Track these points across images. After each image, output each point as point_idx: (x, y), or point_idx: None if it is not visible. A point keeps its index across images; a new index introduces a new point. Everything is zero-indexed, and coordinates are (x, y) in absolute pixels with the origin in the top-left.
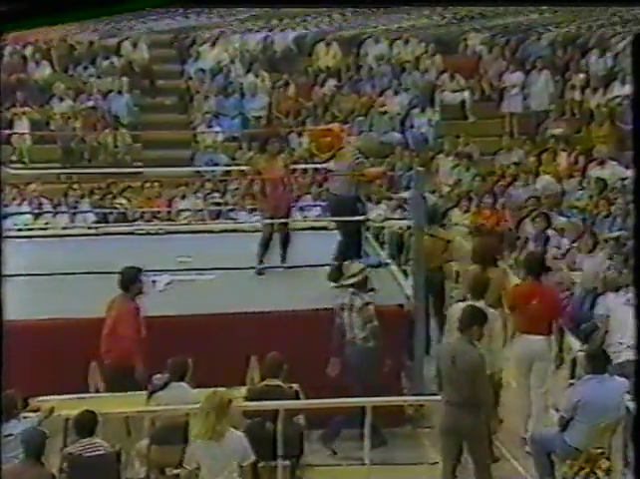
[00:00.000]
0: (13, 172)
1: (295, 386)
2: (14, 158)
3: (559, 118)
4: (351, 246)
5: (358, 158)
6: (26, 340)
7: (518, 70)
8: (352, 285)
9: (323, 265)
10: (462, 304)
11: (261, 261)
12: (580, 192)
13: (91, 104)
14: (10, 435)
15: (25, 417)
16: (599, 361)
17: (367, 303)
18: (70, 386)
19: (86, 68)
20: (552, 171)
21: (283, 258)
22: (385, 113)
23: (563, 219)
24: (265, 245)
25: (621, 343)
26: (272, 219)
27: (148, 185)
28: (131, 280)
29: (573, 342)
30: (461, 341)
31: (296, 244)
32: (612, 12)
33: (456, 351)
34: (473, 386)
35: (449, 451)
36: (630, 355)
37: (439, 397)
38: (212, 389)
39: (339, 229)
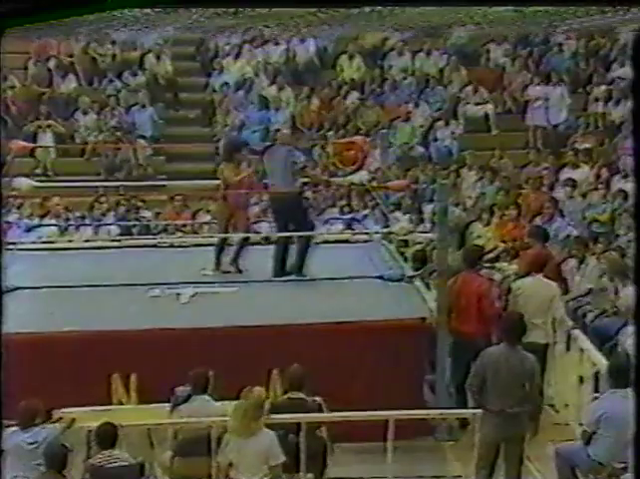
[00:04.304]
0: (37, 184)
1: (319, 399)
2: (38, 171)
3: (585, 131)
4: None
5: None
6: (49, 353)
7: (541, 82)
8: None
9: (345, 278)
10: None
11: (218, 263)
12: (604, 205)
13: (115, 117)
14: (35, 443)
15: (46, 427)
16: (622, 376)
17: None
18: (93, 398)
19: (111, 81)
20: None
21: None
22: (408, 125)
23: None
24: (221, 249)
25: None
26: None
27: (172, 197)
28: (476, 259)
29: (598, 358)
30: (512, 348)
31: (317, 258)
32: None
33: (508, 358)
34: (526, 393)
35: (489, 461)
36: None
37: (463, 411)
38: (249, 387)
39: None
